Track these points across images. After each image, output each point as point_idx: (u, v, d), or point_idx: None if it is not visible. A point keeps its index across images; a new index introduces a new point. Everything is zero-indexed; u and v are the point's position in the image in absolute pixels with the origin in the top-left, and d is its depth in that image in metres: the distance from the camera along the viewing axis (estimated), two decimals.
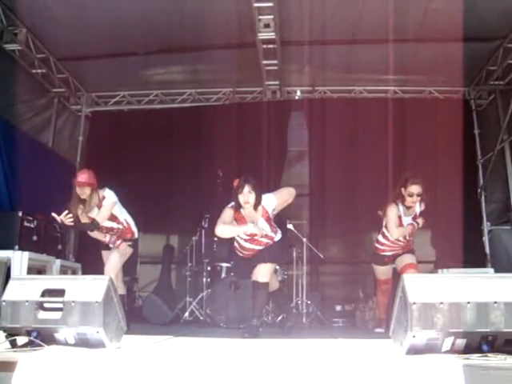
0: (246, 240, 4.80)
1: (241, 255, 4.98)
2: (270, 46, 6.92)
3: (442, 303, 2.78)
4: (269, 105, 8.39)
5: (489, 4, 5.93)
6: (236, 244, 4.95)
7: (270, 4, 6.06)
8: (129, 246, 5.16)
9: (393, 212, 5.04)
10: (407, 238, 5.15)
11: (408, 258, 5.14)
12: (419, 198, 4.97)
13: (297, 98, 8.69)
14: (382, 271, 5.35)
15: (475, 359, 2.57)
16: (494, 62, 7.30)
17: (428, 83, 8.23)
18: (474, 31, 6.40)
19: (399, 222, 5.06)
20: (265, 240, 4.79)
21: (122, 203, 5.20)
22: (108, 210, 4.93)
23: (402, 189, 5.01)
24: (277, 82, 8.18)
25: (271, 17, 6.28)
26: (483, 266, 7.26)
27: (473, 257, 7.24)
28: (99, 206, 4.93)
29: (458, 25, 6.15)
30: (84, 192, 4.87)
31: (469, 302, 2.77)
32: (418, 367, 2.37)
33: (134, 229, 5.22)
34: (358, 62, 7.60)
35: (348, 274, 8.12)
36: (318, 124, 8.18)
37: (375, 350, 3.60)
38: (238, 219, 4.77)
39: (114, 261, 5.00)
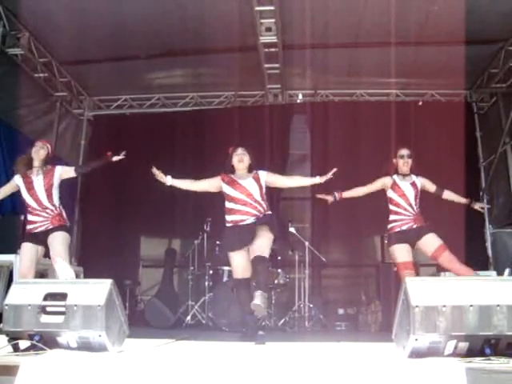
0: (234, 200, 4.81)
1: (232, 225, 4.83)
2: (272, 49, 6.94)
3: (444, 306, 2.78)
4: (271, 108, 8.40)
5: (490, 6, 5.93)
6: (228, 215, 4.87)
7: (272, 8, 6.07)
8: (67, 232, 4.82)
9: (379, 180, 5.25)
10: (413, 206, 5.07)
11: (433, 240, 4.94)
12: (410, 161, 5.14)
13: (298, 101, 8.69)
14: (400, 250, 4.96)
15: (478, 362, 2.57)
16: (495, 64, 7.30)
17: (430, 86, 8.24)
18: (475, 34, 6.41)
19: (398, 188, 5.13)
20: (255, 204, 4.78)
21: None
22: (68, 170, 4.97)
23: (394, 159, 5.21)
24: (278, 86, 8.19)
25: (273, 20, 6.30)
26: (486, 268, 7.24)
27: (475, 260, 7.20)
28: (45, 174, 4.80)
29: (460, 27, 6.16)
30: (39, 152, 4.83)
31: (471, 305, 2.77)
32: (421, 371, 2.36)
33: (65, 216, 4.91)
34: (360, 65, 7.61)
35: (350, 277, 8.10)
36: (320, 127, 8.19)
37: (378, 353, 3.59)
38: (230, 182, 4.87)
39: (61, 249, 4.68)
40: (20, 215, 5.68)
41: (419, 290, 2.87)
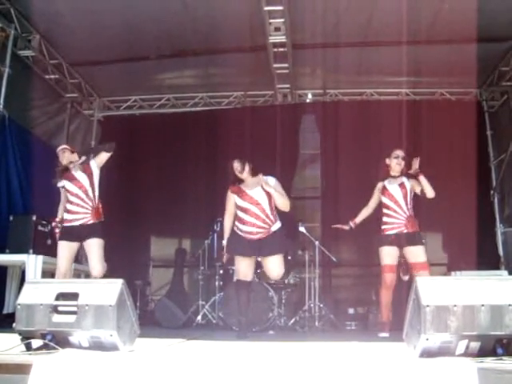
0: (244, 210, 4.99)
1: (241, 234, 5.05)
2: (281, 49, 6.93)
3: (455, 306, 2.76)
4: (280, 108, 8.40)
5: (501, 4, 5.90)
6: (236, 222, 5.08)
7: (281, 7, 6.07)
8: (100, 237, 4.92)
9: (376, 189, 5.45)
10: (404, 208, 5.18)
11: (419, 254, 5.08)
12: (403, 162, 5.30)
13: (308, 101, 8.69)
14: (387, 252, 5.16)
15: (489, 362, 2.55)
16: (506, 62, 7.25)
17: (440, 85, 8.20)
18: (485, 32, 6.37)
19: (387, 192, 5.29)
20: (263, 216, 4.96)
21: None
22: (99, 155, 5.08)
23: (387, 159, 5.38)
24: (288, 86, 8.18)
25: (282, 20, 6.30)
26: (497, 268, 7.20)
27: (486, 259, 7.18)
28: (84, 170, 5.01)
29: (470, 25, 6.13)
30: (64, 156, 5.02)
31: (483, 305, 2.75)
32: (432, 370, 2.35)
33: (101, 211, 5.07)
34: (370, 64, 7.60)
35: (361, 276, 8.09)
36: (330, 127, 8.17)
37: (388, 353, 3.58)
38: (238, 193, 5.04)
39: (98, 258, 4.82)
40: (32, 215, 5.72)
41: (430, 289, 2.85)
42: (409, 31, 6.45)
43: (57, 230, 5.09)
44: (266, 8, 6.08)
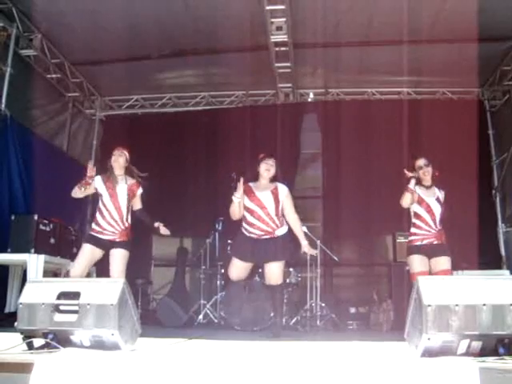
0: (250, 212, 4.97)
1: (246, 234, 5.03)
2: (283, 48, 6.93)
3: (457, 305, 2.76)
4: (282, 107, 8.40)
5: (502, 3, 5.89)
6: (243, 223, 5.06)
7: (283, 7, 6.07)
8: (127, 250, 4.84)
9: (408, 189, 4.98)
10: (437, 223, 4.98)
11: (443, 263, 4.92)
12: (430, 169, 5.01)
13: (310, 100, 8.68)
14: (417, 260, 4.91)
15: (491, 362, 2.55)
16: (508, 62, 7.24)
17: (441, 84, 8.19)
18: (487, 31, 6.36)
19: (424, 203, 4.97)
20: (267, 219, 4.94)
21: None
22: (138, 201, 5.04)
23: (409, 174, 4.99)
24: (289, 85, 8.19)
25: (283, 19, 6.30)
26: (499, 267, 7.19)
27: (488, 259, 7.17)
28: (130, 187, 4.91)
29: (472, 25, 6.12)
30: (118, 160, 4.91)
31: (484, 305, 2.75)
32: (434, 370, 2.35)
33: (129, 231, 4.96)
34: (371, 63, 7.58)
35: (362, 276, 8.09)
36: (331, 126, 8.18)
37: (390, 352, 3.58)
38: (247, 192, 5.00)
39: (121, 269, 4.71)
40: (33, 215, 5.73)
41: (432, 288, 2.85)
42: (410, 31, 6.44)
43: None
44: (268, 7, 6.08)
